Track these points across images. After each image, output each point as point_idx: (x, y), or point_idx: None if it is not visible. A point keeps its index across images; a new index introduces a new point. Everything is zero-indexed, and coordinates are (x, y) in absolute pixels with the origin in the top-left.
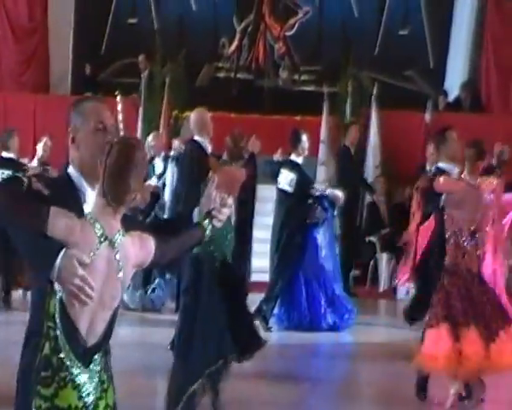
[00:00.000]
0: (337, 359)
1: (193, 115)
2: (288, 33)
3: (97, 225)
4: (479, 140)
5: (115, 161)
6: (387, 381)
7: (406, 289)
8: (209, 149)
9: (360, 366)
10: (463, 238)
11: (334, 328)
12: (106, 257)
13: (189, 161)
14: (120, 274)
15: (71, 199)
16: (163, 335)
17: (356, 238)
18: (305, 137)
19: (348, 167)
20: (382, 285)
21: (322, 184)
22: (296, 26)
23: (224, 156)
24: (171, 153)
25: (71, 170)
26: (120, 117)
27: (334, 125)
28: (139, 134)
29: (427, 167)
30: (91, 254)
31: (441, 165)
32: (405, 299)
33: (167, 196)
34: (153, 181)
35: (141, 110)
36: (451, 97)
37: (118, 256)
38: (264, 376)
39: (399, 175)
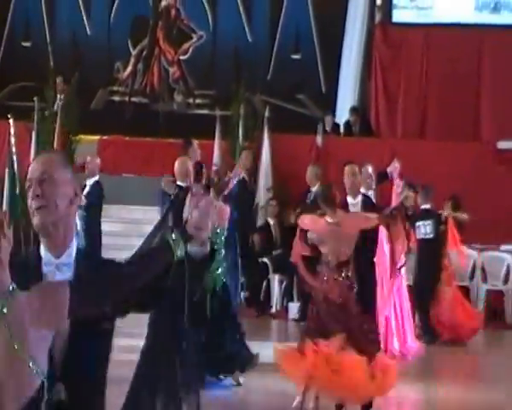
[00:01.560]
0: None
1: (176, 164)
2: (183, 57)
3: None
4: (327, 185)
5: None
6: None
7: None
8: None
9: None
10: (328, 269)
11: None
12: None
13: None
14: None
15: None
16: None
17: (248, 260)
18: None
19: (242, 192)
20: (275, 306)
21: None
22: (190, 50)
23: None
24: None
25: None
26: (13, 141)
27: (227, 148)
28: (32, 158)
29: (312, 189)
30: None
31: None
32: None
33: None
34: None
35: (34, 134)
36: (342, 121)
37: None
38: None
39: (291, 197)
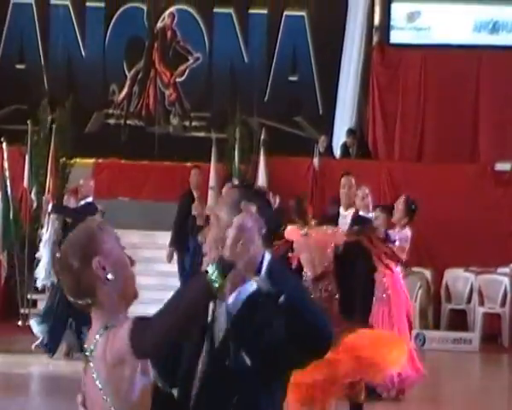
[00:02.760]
0: None
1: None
2: (179, 80)
3: None
4: (300, 197)
5: None
6: None
7: None
8: None
9: None
10: (308, 281)
11: None
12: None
13: None
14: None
15: None
16: None
17: None
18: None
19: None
20: None
21: None
22: (187, 72)
23: None
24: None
25: None
26: (6, 164)
27: (223, 171)
28: (26, 182)
29: None
30: None
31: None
32: None
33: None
34: None
35: (27, 157)
36: (339, 143)
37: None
38: None
39: (288, 220)
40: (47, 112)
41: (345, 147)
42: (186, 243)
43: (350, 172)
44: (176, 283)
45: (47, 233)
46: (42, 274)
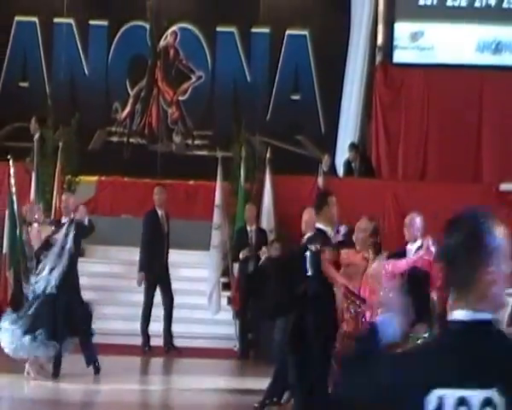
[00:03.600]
0: None
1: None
2: (182, 98)
3: None
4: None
5: None
6: None
7: None
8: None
9: None
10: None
11: None
12: None
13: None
14: None
15: None
16: None
17: None
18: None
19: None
20: None
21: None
22: (189, 90)
23: None
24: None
25: None
26: (13, 181)
27: (229, 189)
28: (32, 199)
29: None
30: None
31: (320, 226)
32: None
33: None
34: None
35: (34, 175)
36: (342, 161)
37: None
38: None
39: (293, 239)
40: (52, 130)
41: (348, 163)
42: (154, 266)
43: (371, 216)
44: (181, 300)
45: (63, 243)
46: (42, 284)
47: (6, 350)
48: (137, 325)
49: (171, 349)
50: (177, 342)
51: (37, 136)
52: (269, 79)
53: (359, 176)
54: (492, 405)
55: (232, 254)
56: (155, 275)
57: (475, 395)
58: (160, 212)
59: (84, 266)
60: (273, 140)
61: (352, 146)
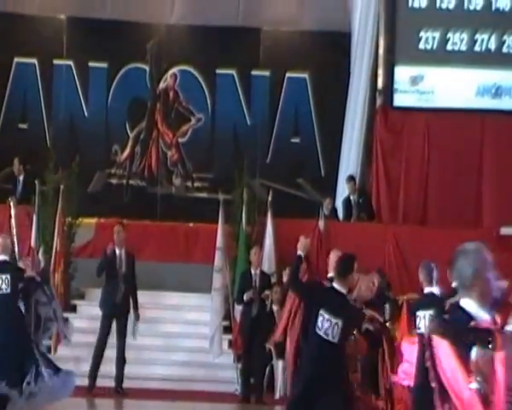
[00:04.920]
0: None
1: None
2: (181, 140)
3: None
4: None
5: None
6: None
7: None
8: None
9: None
10: None
11: None
12: None
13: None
14: None
15: None
16: None
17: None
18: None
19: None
20: (278, 392)
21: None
22: (189, 133)
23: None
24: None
25: None
26: (13, 223)
27: (229, 232)
28: (33, 241)
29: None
30: None
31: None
32: None
33: None
34: None
35: (34, 217)
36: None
37: None
38: None
39: None
40: (53, 172)
41: (347, 200)
42: (107, 304)
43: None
44: (182, 343)
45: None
46: None
47: None
48: (139, 369)
49: (120, 393)
50: (178, 386)
51: (21, 177)
52: (269, 122)
53: (358, 210)
54: None
55: (235, 296)
56: (110, 313)
57: None
58: (118, 251)
59: (84, 309)
60: (273, 183)
61: (350, 178)
